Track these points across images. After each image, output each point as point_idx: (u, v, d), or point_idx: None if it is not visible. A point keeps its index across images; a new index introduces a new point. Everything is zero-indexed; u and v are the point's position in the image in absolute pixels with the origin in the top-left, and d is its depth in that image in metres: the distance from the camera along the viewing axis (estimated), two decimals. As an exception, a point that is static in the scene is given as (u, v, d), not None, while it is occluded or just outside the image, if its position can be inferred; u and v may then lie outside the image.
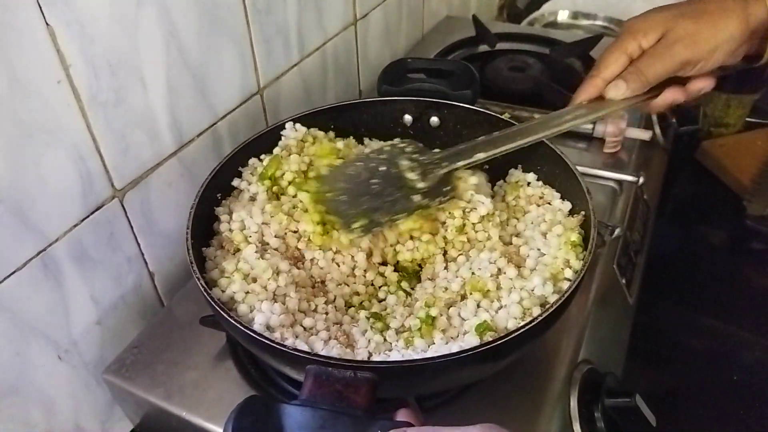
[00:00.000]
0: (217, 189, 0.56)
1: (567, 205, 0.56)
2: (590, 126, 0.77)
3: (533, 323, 0.40)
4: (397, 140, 0.61)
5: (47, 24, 0.45)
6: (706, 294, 0.86)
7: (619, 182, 0.72)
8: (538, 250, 0.52)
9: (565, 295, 0.42)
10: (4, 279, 0.47)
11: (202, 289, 0.44)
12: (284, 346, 0.38)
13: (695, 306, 0.85)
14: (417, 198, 0.52)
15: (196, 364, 0.54)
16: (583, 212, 0.53)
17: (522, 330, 0.40)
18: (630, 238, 0.69)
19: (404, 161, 0.53)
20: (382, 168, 0.53)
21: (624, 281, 0.66)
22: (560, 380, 0.52)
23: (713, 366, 0.78)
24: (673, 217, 0.99)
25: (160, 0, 0.53)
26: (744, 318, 0.83)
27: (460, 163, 0.53)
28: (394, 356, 0.45)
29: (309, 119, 0.64)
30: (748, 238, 0.90)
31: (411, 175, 0.52)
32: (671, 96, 0.55)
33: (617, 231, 0.61)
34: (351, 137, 0.65)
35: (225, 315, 0.42)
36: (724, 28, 0.51)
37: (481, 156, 0.53)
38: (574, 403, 0.51)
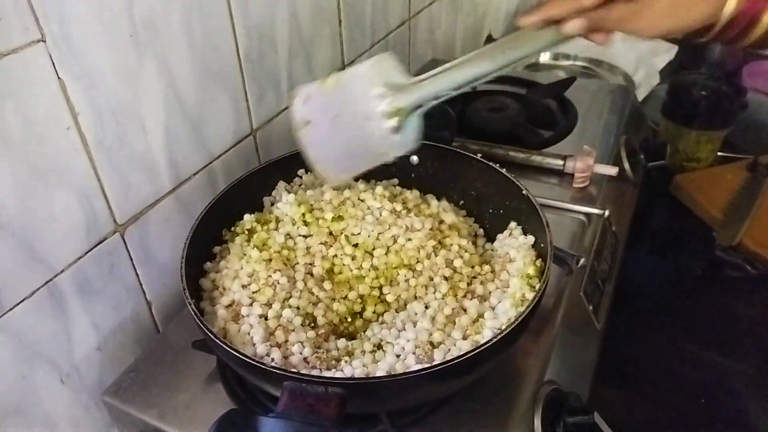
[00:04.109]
0: (212, 223, 0.61)
1: (530, 239, 0.61)
2: (561, 162, 0.82)
3: (488, 344, 0.45)
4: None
5: (59, 77, 0.50)
6: (678, 321, 0.90)
7: (587, 215, 0.76)
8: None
9: (519, 319, 0.47)
10: (13, 307, 0.51)
11: (193, 314, 0.49)
12: (263, 363, 0.43)
13: (667, 332, 0.88)
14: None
15: (188, 386, 0.58)
16: (542, 244, 0.57)
17: (478, 350, 0.44)
18: (597, 267, 0.74)
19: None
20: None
21: (591, 308, 0.70)
22: (526, 399, 0.55)
23: (684, 390, 0.81)
24: (647, 248, 1.03)
25: (160, 54, 0.59)
26: (716, 344, 0.86)
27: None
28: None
29: (299, 157, 0.69)
30: (719, 268, 0.94)
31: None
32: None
33: (582, 260, 0.65)
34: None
35: (212, 336, 0.46)
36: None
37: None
38: (537, 422, 0.54)
